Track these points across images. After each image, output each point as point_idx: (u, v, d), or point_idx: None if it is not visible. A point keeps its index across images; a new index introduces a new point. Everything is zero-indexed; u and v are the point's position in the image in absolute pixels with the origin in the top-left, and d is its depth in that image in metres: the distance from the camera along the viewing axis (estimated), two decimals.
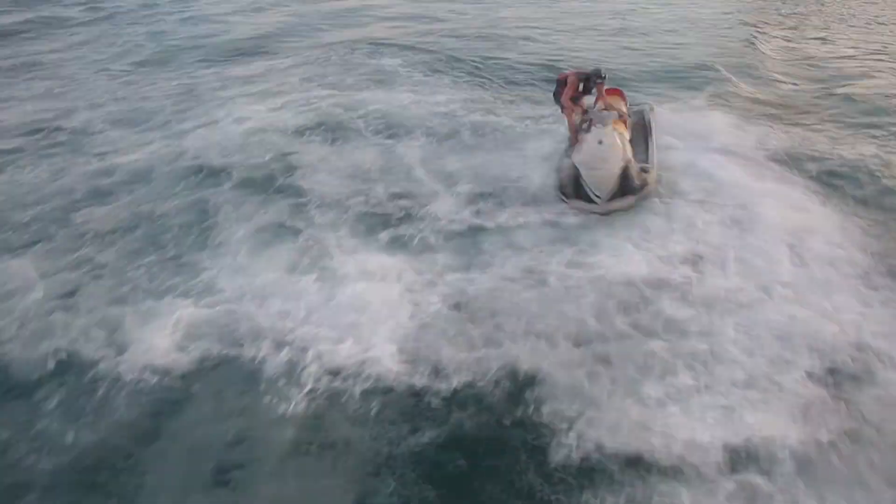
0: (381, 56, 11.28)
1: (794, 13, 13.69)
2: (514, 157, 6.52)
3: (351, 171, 6.53)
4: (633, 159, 5.56)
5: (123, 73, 11.52)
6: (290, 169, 6.67)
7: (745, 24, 12.74)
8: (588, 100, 6.49)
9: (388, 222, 5.50)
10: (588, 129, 5.66)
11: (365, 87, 9.57)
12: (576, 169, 5.47)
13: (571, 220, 5.26)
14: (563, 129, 6.68)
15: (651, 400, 3.25)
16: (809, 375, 3.35)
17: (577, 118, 6.27)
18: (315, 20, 15.14)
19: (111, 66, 11.99)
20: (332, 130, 7.76)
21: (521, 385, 3.45)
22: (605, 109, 6.22)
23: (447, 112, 8.09)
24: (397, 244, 5.13)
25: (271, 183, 6.42)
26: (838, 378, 3.36)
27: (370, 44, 12.10)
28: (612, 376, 3.43)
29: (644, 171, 5.58)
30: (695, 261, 4.48)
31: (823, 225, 4.90)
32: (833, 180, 5.80)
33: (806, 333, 3.64)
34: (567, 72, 6.78)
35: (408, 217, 5.55)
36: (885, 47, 10.67)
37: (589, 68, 6.53)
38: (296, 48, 12.54)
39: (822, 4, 14.38)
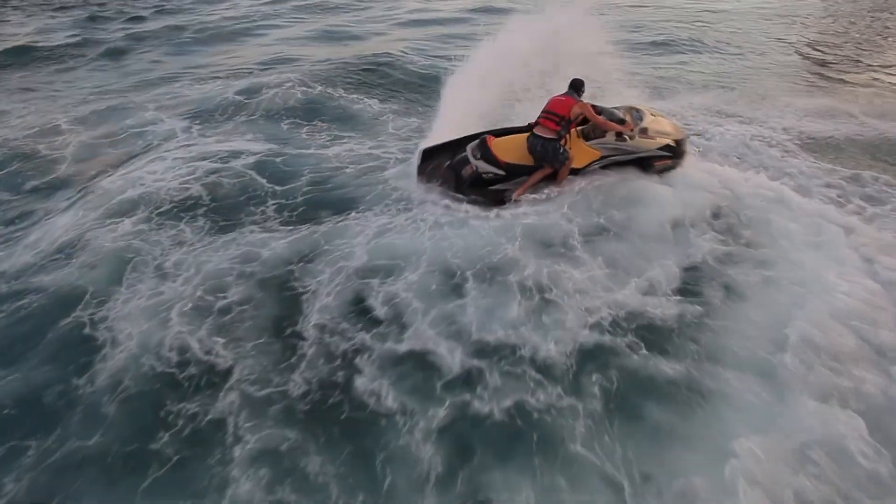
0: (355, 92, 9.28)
1: None
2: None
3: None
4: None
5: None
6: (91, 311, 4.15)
7: None
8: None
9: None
10: (626, 124, 5.96)
11: (310, 141, 7.33)
12: (671, 148, 6.05)
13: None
14: None
15: None
16: None
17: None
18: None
19: None
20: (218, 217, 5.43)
21: None
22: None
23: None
24: None
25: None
26: None
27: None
28: None
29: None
30: None
31: None
32: None
33: None
34: (550, 111, 5.64)
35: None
36: None
37: (566, 89, 5.76)
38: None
39: None
